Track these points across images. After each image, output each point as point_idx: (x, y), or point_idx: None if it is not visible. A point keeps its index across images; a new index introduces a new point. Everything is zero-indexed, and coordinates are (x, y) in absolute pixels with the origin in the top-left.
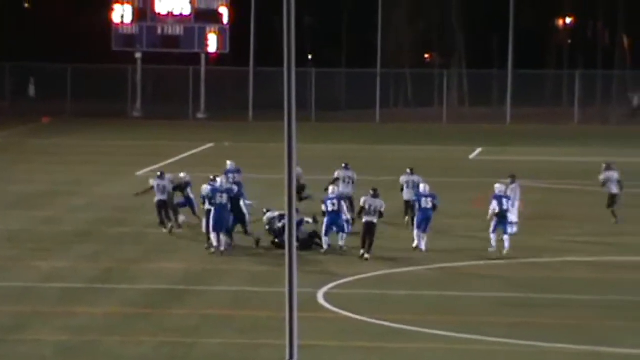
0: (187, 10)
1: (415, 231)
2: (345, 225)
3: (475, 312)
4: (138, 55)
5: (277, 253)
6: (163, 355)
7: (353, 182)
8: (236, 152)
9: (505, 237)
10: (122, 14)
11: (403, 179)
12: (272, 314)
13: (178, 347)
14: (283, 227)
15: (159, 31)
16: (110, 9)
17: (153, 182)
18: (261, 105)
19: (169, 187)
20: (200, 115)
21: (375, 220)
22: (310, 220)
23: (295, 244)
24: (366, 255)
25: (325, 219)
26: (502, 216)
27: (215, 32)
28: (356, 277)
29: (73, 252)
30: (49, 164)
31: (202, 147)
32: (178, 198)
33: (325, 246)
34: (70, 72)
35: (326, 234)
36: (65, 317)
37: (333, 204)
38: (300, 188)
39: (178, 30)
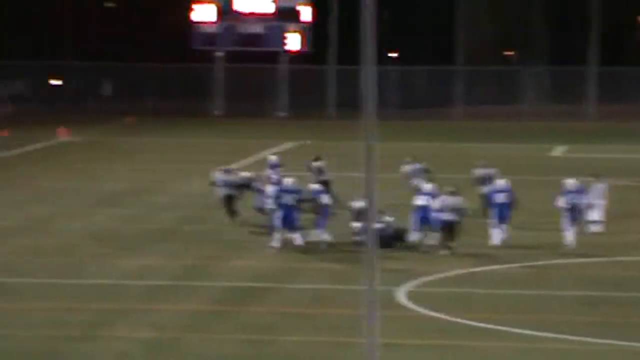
0: (268, 9)
1: (493, 226)
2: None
3: (555, 310)
4: (219, 54)
5: (357, 251)
6: (243, 352)
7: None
8: (316, 150)
9: (574, 229)
10: (203, 13)
11: (478, 172)
12: (351, 312)
13: (257, 345)
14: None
15: (240, 30)
16: (190, 8)
17: (216, 176)
18: (342, 103)
19: (235, 181)
20: (281, 114)
21: (453, 218)
22: (389, 218)
23: (375, 241)
24: (446, 252)
25: (415, 214)
26: (573, 211)
27: (296, 31)
28: (438, 276)
29: (155, 250)
30: (131, 163)
31: (282, 145)
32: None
33: (412, 240)
34: (151, 71)
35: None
36: (148, 314)
37: (424, 200)
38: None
39: (259, 28)
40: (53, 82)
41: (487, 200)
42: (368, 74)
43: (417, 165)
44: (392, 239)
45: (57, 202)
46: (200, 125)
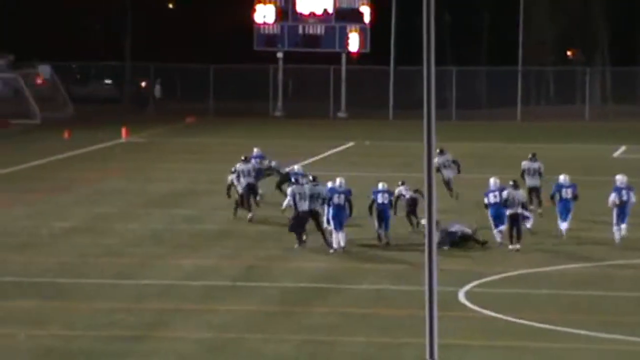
0: (328, 10)
1: (559, 221)
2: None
3: (620, 311)
4: (280, 54)
5: (418, 250)
6: (304, 353)
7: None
8: (376, 150)
9: (623, 226)
10: (264, 14)
11: (525, 165)
12: (413, 312)
13: (319, 346)
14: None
15: (301, 31)
16: (252, 9)
17: (231, 177)
18: (401, 104)
19: (257, 167)
20: (340, 114)
21: (519, 211)
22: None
23: (435, 240)
24: (516, 247)
25: (488, 211)
26: (621, 207)
27: (356, 31)
28: (500, 276)
29: (215, 250)
30: (191, 163)
31: (342, 146)
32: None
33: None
34: (212, 72)
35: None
36: (208, 314)
37: (495, 196)
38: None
39: (319, 29)
40: (107, 81)
41: (534, 191)
42: (429, 74)
43: (447, 157)
44: (461, 238)
45: (117, 202)
46: (260, 126)
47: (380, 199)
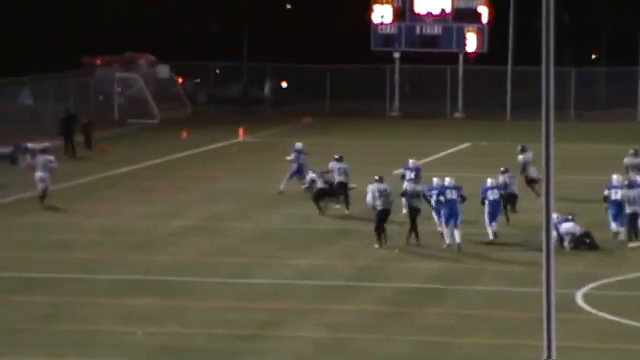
0: (446, 10)
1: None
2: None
3: None
4: (397, 55)
5: (534, 252)
6: (418, 354)
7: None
8: (493, 151)
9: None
10: (382, 14)
11: (627, 161)
12: (530, 314)
13: (434, 347)
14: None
15: (418, 31)
16: (370, 9)
17: (333, 164)
18: (519, 104)
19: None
20: (457, 115)
21: (637, 210)
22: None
23: (552, 243)
24: (636, 244)
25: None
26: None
27: (474, 32)
28: (616, 278)
29: (330, 250)
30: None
31: (459, 146)
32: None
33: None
34: (329, 73)
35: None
36: (322, 314)
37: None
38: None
39: (437, 29)
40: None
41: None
42: (548, 75)
43: (531, 155)
44: (580, 240)
45: (234, 202)
46: (378, 126)
47: (491, 195)
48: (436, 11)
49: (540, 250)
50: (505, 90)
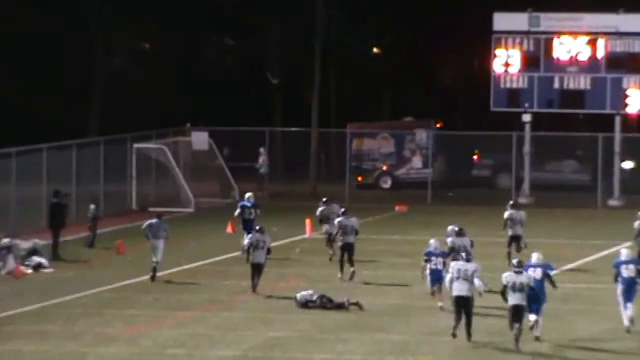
0: (597, 54)
1: None
2: None
3: None
4: (526, 117)
5: None
6: None
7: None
8: None
9: None
10: (505, 61)
11: None
12: None
13: None
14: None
15: (557, 84)
16: (488, 55)
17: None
18: None
19: None
20: (612, 202)
21: None
22: None
23: None
24: None
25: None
26: None
27: (636, 86)
28: None
29: None
30: None
31: (611, 248)
32: None
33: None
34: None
35: None
36: None
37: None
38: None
39: (583, 82)
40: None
41: None
42: None
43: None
44: None
45: None
46: (497, 217)
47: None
48: (582, 56)
49: None
50: None
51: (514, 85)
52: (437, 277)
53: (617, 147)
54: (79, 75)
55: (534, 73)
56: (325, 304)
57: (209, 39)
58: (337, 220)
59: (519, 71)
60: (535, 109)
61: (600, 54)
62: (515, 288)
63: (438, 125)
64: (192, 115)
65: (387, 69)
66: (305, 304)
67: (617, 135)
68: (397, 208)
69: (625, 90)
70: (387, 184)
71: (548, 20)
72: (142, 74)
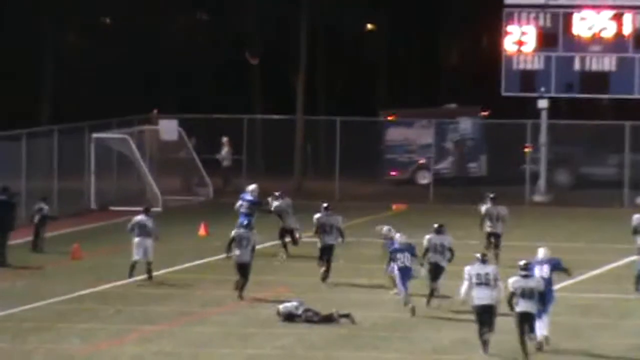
0: (624, 31)
1: None
2: None
3: None
4: (542, 103)
5: None
6: None
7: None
8: None
9: None
10: (517, 39)
11: None
12: None
13: None
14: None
15: (577, 65)
16: (500, 32)
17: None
18: None
19: None
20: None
21: None
22: None
23: None
24: None
25: None
26: None
27: None
28: None
29: None
30: None
31: (632, 256)
32: None
33: None
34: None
35: None
36: None
37: None
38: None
39: (607, 62)
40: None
41: None
42: None
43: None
44: None
45: None
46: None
47: None
48: (607, 33)
49: None
50: None
51: (528, 67)
52: (407, 275)
53: None
54: (25, 53)
55: (551, 52)
56: (311, 317)
57: (179, 14)
58: (316, 216)
59: (534, 50)
60: (552, 94)
61: (627, 30)
62: (525, 294)
63: (484, 114)
64: (159, 100)
65: (382, 48)
66: (290, 317)
67: None
68: (394, 207)
69: None
70: (425, 179)
71: None
72: (101, 53)
